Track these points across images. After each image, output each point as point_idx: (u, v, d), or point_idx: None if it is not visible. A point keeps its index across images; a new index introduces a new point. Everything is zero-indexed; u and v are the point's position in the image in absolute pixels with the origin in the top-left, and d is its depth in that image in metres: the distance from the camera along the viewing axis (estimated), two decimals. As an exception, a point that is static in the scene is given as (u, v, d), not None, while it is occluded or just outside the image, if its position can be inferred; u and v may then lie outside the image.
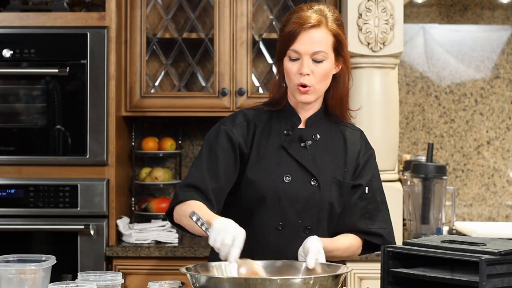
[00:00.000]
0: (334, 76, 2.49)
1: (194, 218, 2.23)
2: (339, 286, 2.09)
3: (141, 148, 4.34)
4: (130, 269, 3.85)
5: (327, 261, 2.28)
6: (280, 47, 2.47)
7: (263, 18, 4.30)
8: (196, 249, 3.83)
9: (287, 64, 2.45)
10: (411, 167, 4.11)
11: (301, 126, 2.52)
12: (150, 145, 4.31)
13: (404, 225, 4.09)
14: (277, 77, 2.54)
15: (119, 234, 3.97)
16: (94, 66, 3.84)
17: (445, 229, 4.22)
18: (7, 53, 3.86)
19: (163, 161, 4.49)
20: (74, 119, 3.85)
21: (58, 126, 3.85)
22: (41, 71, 3.85)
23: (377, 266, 2.68)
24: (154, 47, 4.18)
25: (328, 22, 2.44)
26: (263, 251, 2.39)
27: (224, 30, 4.09)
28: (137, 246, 3.87)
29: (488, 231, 4.13)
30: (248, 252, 2.22)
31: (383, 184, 2.62)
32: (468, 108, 4.51)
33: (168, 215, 2.50)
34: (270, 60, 4.28)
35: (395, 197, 3.77)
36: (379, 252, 2.19)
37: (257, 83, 4.27)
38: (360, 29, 3.80)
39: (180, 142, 4.43)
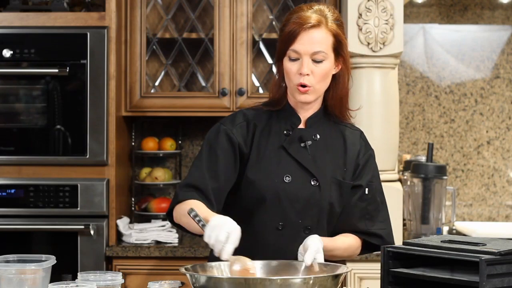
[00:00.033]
0: (334, 76, 2.49)
1: (192, 215, 2.22)
2: (339, 286, 2.09)
3: (141, 148, 4.34)
4: (130, 269, 3.85)
5: (326, 260, 2.28)
6: (280, 47, 2.47)
7: (263, 18, 4.30)
8: (196, 249, 3.83)
9: (287, 64, 2.45)
10: (411, 167, 4.11)
11: (301, 126, 2.52)
12: (150, 145, 4.31)
13: (404, 225, 4.09)
14: (277, 77, 2.54)
15: (119, 234, 3.97)
16: (94, 66, 3.84)
17: (445, 229, 4.21)
18: (7, 53, 3.86)
19: (163, 161, 4.49)
20: (74, 119, 3.85)
21: (58, 126, 3.85)
22: (41, 71, 3.85)
23: (377, 266, 2.68)
24: (154, 47, 4.18)
25: (328, 22, 2.44)
26: (263, 251, 2.40)
27: (224, 30, 4.09)
28: (137, 246, 3.87)
29: (488, 231, 4.13)
30: (248, 252, 2.22)
31: (383, 184, 2.62)
32: (468, 108, 4.51)
33: (168, 215, 2.51)
34: (270, 60, 4.27)
35: (395, 197, 3.77)
36: (379, 252, 2.19)
37: (257, 83, 4.27)
38: (360, 29, 3.80)
39: (180, 142, 4.43)
